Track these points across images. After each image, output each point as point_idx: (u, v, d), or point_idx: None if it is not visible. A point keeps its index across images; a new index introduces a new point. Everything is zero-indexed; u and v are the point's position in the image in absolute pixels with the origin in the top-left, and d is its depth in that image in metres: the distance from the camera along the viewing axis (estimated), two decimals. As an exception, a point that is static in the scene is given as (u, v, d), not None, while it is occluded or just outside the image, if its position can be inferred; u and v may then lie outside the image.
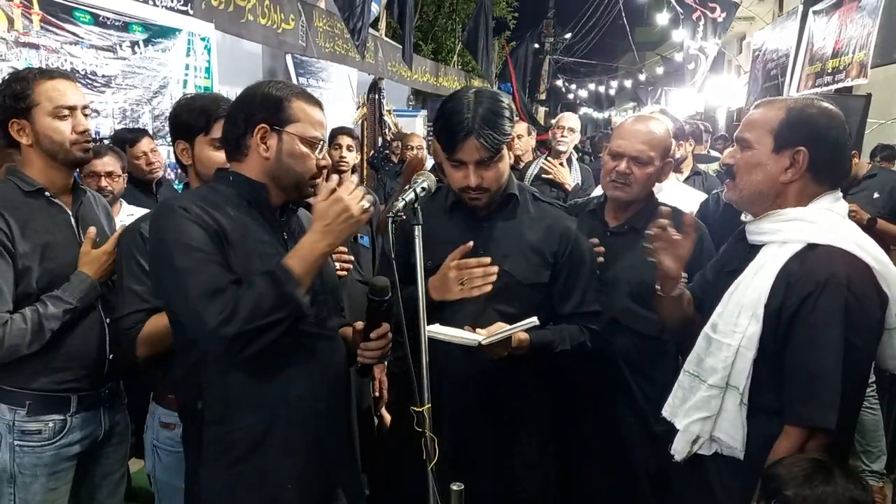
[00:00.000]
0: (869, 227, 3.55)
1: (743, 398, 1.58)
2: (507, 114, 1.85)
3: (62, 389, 1.93)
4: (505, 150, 1.86)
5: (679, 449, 1.68)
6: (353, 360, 1.79)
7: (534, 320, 1.75)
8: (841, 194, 1.66)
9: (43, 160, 1.92)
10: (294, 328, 1.58)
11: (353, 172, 4.31)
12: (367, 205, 1.57)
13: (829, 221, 1.58)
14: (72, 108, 1.92)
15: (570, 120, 4.87)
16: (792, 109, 1.61)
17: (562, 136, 4.62)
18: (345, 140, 4.13)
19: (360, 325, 1.72)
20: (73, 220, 1.98)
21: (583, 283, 2.00)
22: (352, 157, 4.15)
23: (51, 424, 1.92)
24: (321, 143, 1.66)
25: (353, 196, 1.55)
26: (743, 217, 1.76)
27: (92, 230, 1.97)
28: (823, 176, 1.62)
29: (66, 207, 1.98)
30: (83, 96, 1.99)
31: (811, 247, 1.55)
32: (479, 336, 1.74)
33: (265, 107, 1.62)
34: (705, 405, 1.62)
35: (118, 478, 2.15)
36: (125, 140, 3.59)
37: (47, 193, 1.93)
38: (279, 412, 1.62)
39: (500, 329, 1.76)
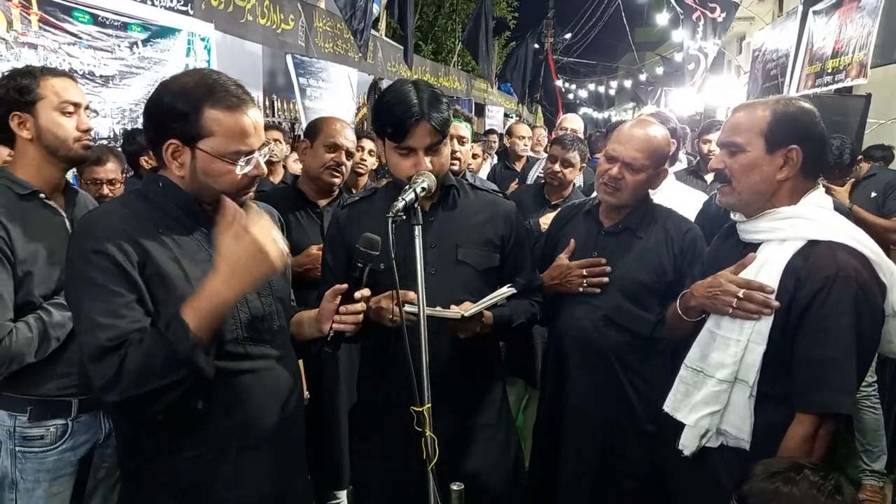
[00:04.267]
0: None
1: (752, 391, 1.62)
2: (445, 100, 1.86)
3: (64, 394, 1.89)
4: (446, 141, 1.88)
5: (688, 444, 1.71)
6: (309, 346, 1.71)
7: (509, 289, 1.80)
8: (823, 189, 1.73)
9: (41, 156, 1.88)
10: (239, 350, 1.48)
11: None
12: (279, 242, 1.38)
13: (824, 218, 1.64)
14: (76, 105, 1.91)
15: (573, 121, 4.87)
16: (776, 110, 1.66)
17: None
18: (367, 144, 4.18)
19: (340, 287, 1.60)
20: (67, 223, 1.93)
21: (528, 263, 2.07)
22: (371, 162, 4.18)
23: (52, 429, 1.89)
24: (249, 156, 1.46)
25: (262, 228, 1.34)
26: (733, 216, 1.79)
27: None
28: (812, 170, 1.68)
29: (59, 209, 1.93)
30: (85, 97, 1.98)
31: (812, 243, 1.60)
32: (460, 311, 1.74)
33: (171, 119, 1.42)
34: (714, 400, 1.66)
35: (113, 483, 2.09)
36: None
37: (42, 196, 1.88)
38: (228, 440, 1.49)
39: (474, 305, 1.77)
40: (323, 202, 2.67)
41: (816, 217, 1.64)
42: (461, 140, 3.08)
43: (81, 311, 1.40)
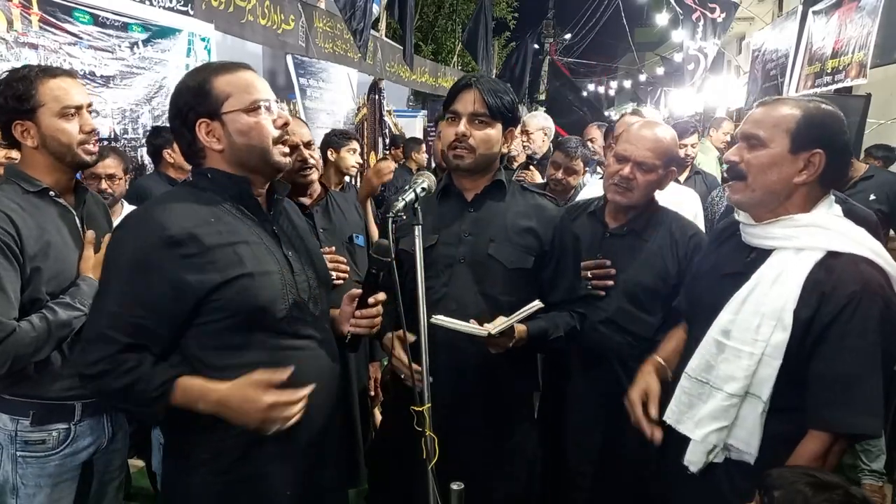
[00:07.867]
0: None
1: (765, 406, 1.54)
2: (511, 96, 1.93)
3: (67, 397, 1.86)
4: (499, 128, 1.92)
5: (695, 460, 1.63)
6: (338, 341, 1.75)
7: (537, 303, 1.76)
8: (833, 197, 1.65)
9: (48, 161, 1.85)
10: (285, 330, 1.53)
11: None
12: (282, 423, 1.45)
13: (842, 227, 1.56)
14: (78, 108, 1.86)
15: (536, 121, 4.74)
16: (807, 110, 1.57)
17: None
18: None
19: (356, 292, 1.68)
20: (77, 221, 1.92)
21: (570, 272, 2.03)
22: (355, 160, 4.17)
23: (55, 433, 1.86)
24: (266, 102, 1.56)
25: (278, 412, 1.43)
26: (737, 215, 1.71)
27: (90, 233, 1.91)
28: (829, 180, 1.60)
29: (70, 207, 1.91)
30: (87, 94, 1.92)
31: (832, 255, 1.52)
32: (486, 329, 1.71)
33: (191, 102, 1.54)
34: (723, 415, 1.58)
35: (117, 486, 2.08)
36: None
37: (52, 193, 1.86)
38: None
39: (503, 320, 1.75)
40: (307, 201, 2.59)
41: (834, 226, 1.55)
42: None
43: (106, 287, 1.50)
